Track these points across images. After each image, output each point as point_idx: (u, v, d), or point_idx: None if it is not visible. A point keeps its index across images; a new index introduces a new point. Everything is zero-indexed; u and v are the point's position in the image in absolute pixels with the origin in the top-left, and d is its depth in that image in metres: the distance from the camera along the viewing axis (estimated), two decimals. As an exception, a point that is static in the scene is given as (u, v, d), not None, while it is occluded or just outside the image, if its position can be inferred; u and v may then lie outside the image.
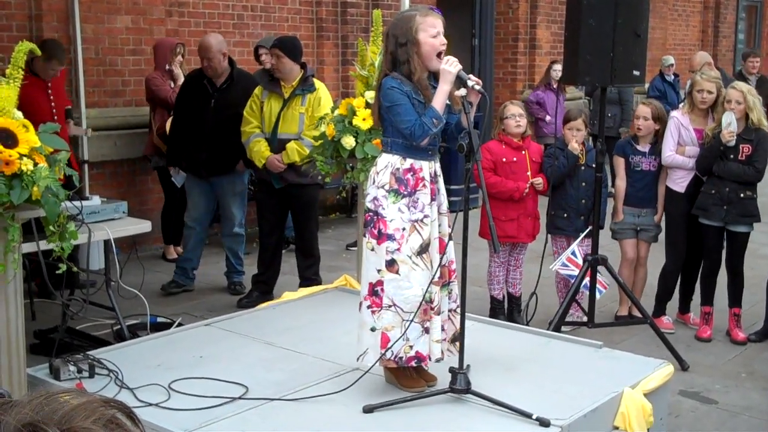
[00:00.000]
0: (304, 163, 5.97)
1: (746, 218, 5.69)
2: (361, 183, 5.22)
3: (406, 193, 3.71)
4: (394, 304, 3.70)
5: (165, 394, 3.83)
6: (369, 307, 3.75)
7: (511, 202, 5.82)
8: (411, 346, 3.74)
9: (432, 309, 3.77)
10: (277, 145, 6.11)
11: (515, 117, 5.86)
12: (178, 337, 4.76)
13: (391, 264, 3.69)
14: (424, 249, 3.72)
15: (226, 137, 6.34)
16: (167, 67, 7.37)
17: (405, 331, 3.69)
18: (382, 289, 3.71)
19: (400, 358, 3.75)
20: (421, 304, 3.68)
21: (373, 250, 3.72)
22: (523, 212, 5.87)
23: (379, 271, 3.71)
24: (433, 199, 3.78)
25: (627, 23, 5.11)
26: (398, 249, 3.68)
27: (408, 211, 3.70)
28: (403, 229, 3.69)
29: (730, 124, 5.47)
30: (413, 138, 3.66)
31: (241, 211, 6.88)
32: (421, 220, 3.72)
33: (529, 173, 5.87)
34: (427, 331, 3.77)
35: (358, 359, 3.84)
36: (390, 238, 3.68)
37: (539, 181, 5.85)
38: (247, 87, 6.36)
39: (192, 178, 6.76)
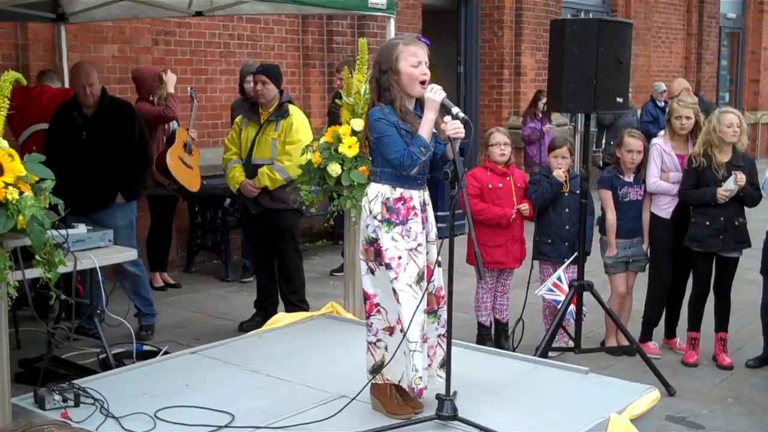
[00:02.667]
0: (287, 188, 6.01)
1: (740, 245, 5.73)
2: (348, 210, 5.23)
3: (398, 221, 3.73)
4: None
5: (151, 422, 3.81)
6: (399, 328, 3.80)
7: (498, 228, 5.84)
8: (420, 378, 3.74)
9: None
10: (252, 170, 6.17)
11: (500, 145, 5.89)
12: (164, 366, 4.74)
13: (394, 292, 3.73)
14: (420, 278, 3.75)
15: (101, 170, 5.93)
16: (151, 98, 7.26)
17: (412, 362, 3.72)
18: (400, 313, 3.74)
19: (413, 389, 3.77)
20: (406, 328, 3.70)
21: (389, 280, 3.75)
22: (510, 238, 5.89)
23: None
24: (423, 228, 3.80)
25: (610, 51, 5.16)
26: (396, 278, 3.70)
27: (402, 239, 3.73)
28: (399, 257, 3.71)
29: (730, 189, 5.55)
30: (402, 168, 3.69)
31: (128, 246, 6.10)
32: (416, 249, 3.75)
33: (514, 199, 5.89)
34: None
35: (399, 380, 3.85)
36: (388, 267, 3.71)
37: (525, 207, 5.88)
38: (123, 116, 6.07)
39: (71, 216, 6.34)
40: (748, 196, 5.68)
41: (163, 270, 7.84)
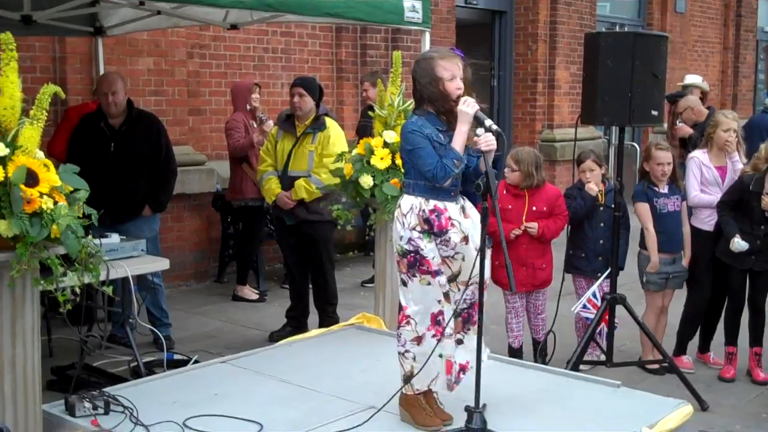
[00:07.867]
0: (321, 201, 6.04)
1: None
2: (385, 223, 5.24)
3: (436, 232, 3.77)
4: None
5: (180, 431, 3.83)
6: (434, 336, 3.81)
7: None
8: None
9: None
10: (288, 182, 6.20)
11: (511, 166, 5.71)
12: (194, 374, 4.77)
13: (446, 296, 3.83)
14: (454, 278, 3.87)
15: (129, 182, 5.94)
16: (248, 107, 7.55)
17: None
18: (444, 318, 3.81)
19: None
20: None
21: (429, 284, 3.78)
22: (514, 260, 5.44)
23: (439, 301, 3.81)
24: (469, 233, 3.83)
25: (645, 64, 5.13)
26: (440, 282, 3.81)
27: (440, 248, 3.79)
28: (440, 263, 3.80)
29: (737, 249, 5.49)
30: (436, 180, 3.71)
31: None
32: (452, 257, 3.83)
33: (523, 219, 5.64)
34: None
35: (429, 385, 3.91)
36: (438, 273, 3.78)
37: (533, 225, 5.61)
38: (150, 127, 6.08)
39: (101, 227, 5.77)
40: None
41: (242, 282, 7.87)
